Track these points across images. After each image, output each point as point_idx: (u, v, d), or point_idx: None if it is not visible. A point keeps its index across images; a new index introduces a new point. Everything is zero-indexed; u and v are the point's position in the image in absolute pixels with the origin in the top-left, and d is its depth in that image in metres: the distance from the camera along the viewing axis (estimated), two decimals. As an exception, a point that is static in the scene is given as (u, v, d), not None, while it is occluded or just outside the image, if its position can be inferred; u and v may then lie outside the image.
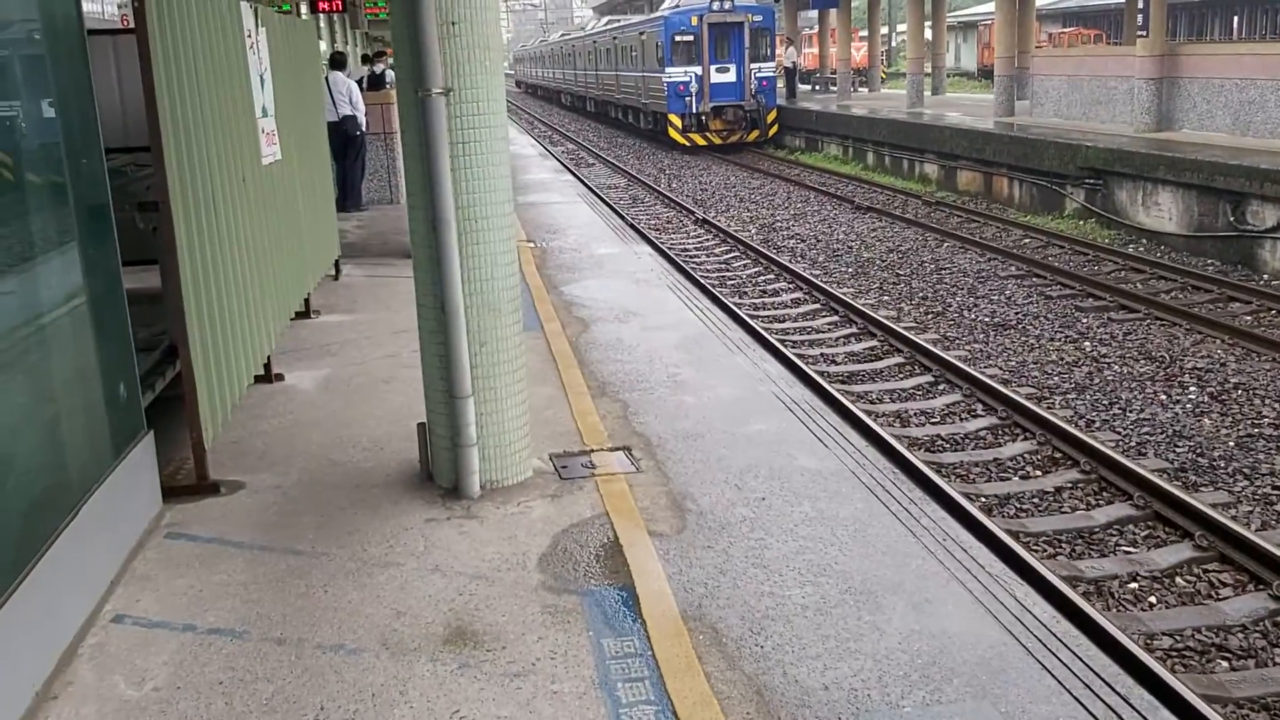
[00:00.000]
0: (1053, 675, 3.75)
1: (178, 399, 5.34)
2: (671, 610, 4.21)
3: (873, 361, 10.20)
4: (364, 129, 14.43)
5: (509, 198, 5.33)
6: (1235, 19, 45.16)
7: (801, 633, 4.03)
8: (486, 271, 5.21)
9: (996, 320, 11.51)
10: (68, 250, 4.60)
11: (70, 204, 4.65)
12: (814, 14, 40.29)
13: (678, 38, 29.14)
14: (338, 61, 14.84)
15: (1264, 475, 7.30)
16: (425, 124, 4.96)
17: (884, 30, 49.31)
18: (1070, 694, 3.66)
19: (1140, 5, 18.05)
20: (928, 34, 32.58)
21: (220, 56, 6.02)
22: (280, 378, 7.29)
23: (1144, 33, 17.91)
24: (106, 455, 4.73)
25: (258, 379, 6.71)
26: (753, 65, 29.21)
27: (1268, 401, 8.67)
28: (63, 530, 4.13)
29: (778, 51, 31.89)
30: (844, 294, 12.55)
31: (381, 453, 5.97)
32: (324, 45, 22.33)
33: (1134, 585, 5.98)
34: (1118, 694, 3.67)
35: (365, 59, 19.32)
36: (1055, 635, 4.01)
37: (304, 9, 19.32)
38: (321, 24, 23.21)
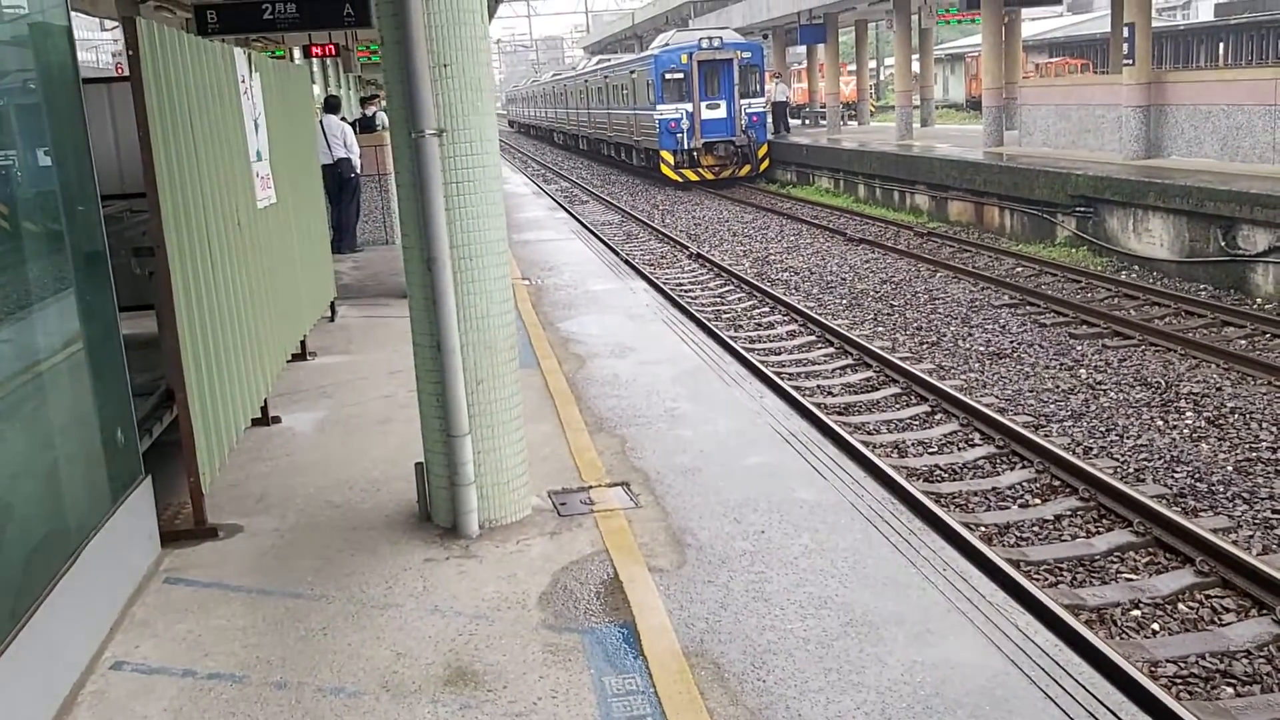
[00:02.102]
0: (1057, 704, 3.73)
1: (175, 443, 5.34)
2: (673, 646, 4.19)
3: (869, 392, 10.22)
4: (358, 171, 14.51)
5: (503, 236, 5.35)
6: (1221, 45, 45.55)
7: (803, 666, 4.02)
8: (482, 309, 5.23)
9: (991, 349, 11.54)
10: (64, 297, 4.62)
11: (67, 251, 4.67)
12: (802, 49, 40.68)
13: (668, 75, 29.39)
14: (332, 105, 14.95)
15: (1263, 499, 7.29)
16: (419, 164, 5.00)
17: (872, 64, 49.78)
18: (1075, 723, 3.65)
19: (1125, 34, 18.22)
20: (915, 67, 32.88)
21: (214, 103, 6.07)
22: (277, 420, 7.29)
23: (1130, 61, 18.08)
24: (104, 501, 4.73)
25: (255, 422, 6.72)
26: (743, 101, 29.44)
27: (1264, 425, 8.68)
28: (61, 577, 4.12)
29: (766, 87, 32.15)
30: (839, 325, 12.59)
31: (379, 493, 5.96)
32: (317, 89, 22.48)
33: (1136, 612, 5.96)
34: (1123, 723, 3.66)
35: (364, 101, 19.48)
36: (1058, 664, 4.00)
37: (297, 54, 19.49)
38: (315, 69, 23.38)
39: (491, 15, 21.33)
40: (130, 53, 5.00)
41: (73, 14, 4.88)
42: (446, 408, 5.19)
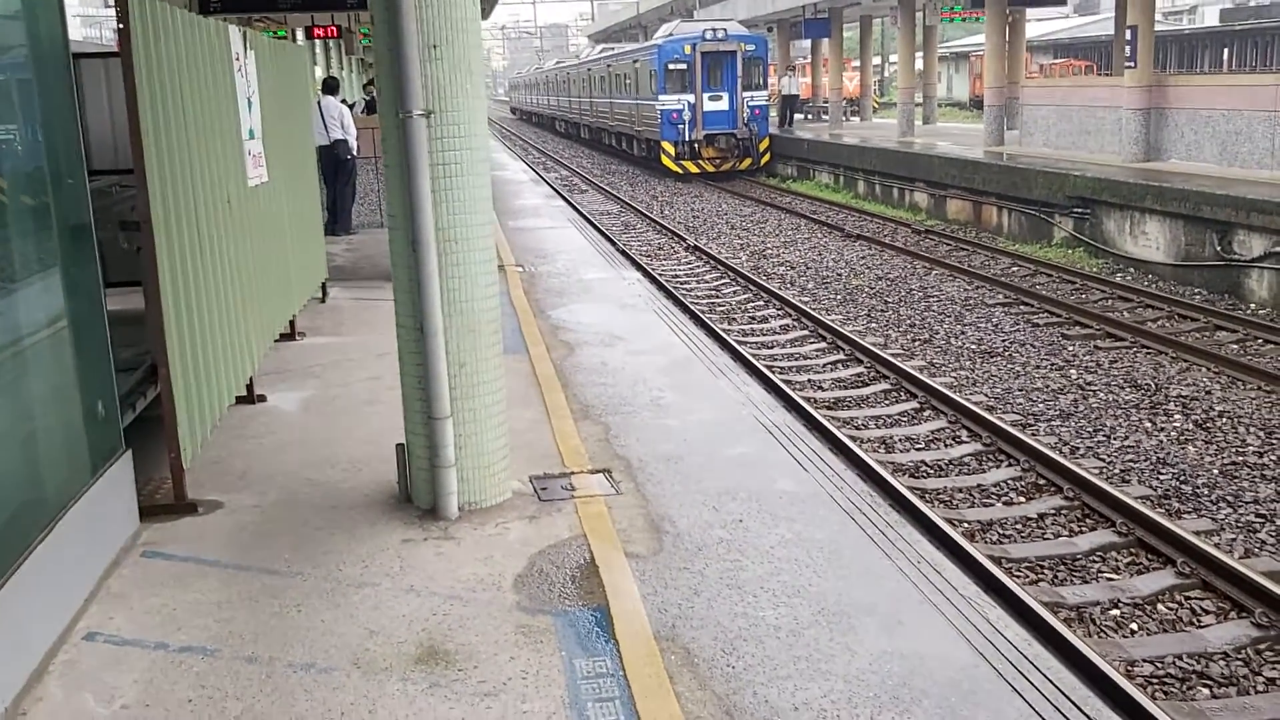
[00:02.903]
0: (1023, 698, 3.75)
1: (159, 418, 5.34)
2: (645, 631, 4.20)
3: (859, 388, 10.22)
4: (355, 153, 14.49)
5: (490, 219, 5.35)
6: (1225, 51, 45.54)
7: (773, 654, 4.03)
8: (466, 293, 5.23)
9: (983, 347, 11.54)
10: (48, 270, 4.62)
11: (52, 224, 4.66)
12: (807, 43, 40.63)
13: (671, 66, 29.33)
14: (330, 86, 14.93)
15: (1247, 503, 7.31)
16: (406, 146, 4.99)
17: (876, 60, 49.69)
18: (1041, 717, 3.65)
19: (1128, 37, 18.21)
20: (919, 64, 32.84)
21: (207, 79, 6.05)
22: (262, 399, 7.29)
23: (1132, 64, 18.06)
24: (84, 473, 4.73)
25: (240, 399, 6.72)
26: (745, 94, 29.38)
27: (1252, 429, 8.69)
28: (37, 546, 4.13)
29: (773, 79, 32.04)
30: (832, 321, 12.59)
31: (360, 474, 5.96)
32: (320, 71, 22.46)
33: (1115, 612, 5.97)
34: (1088, 718, 3.67)
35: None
36: (1027, 658, 4.01)
37: (299, 35, 19.46)
38: (317, 50, 23.35)
39: (495, 2, 21.29)
40: (120, 26, 5.00)
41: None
42: (428, 390, 5.20)
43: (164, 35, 5.33)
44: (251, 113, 7.09)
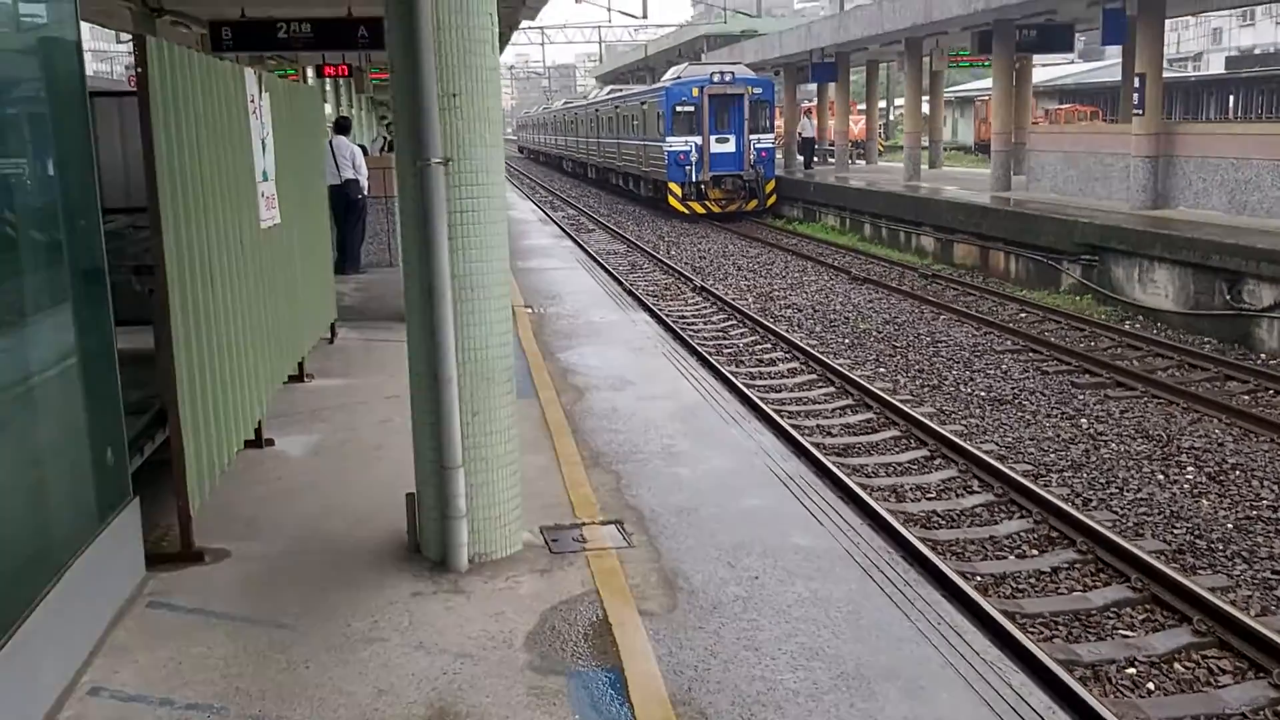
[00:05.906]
0: (1049, 770, 3.66)
1: (166, 463, 5.27)
2: (660, 693, 4.11)
3: (868, 434, 10.15)
4: (365, 193, 14.52)
5: (505, 268, 5.31)
6: (1231, 99, 45.71)
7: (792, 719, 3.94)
8: (481, 340, 5.18)
9: (993, 395, 11.48)
10: (60, 311, 4.57)
11: (65, 264, 4.63)
12: (813, 87, 40.84)
13: (679, 108, 29.50)
14: (342, 126, 14.98)
15: (1263, 559, 7.22)
16: (423, 193, 4.97)
17: (882, 104, 49.95)
18: (1068, 789, 3.57)
19: (1136, 85, 18.28)
20: (925, 108, 32.98)
21: (222, 121, 6.05)
22: (271, 443, 7.22)
23: (1139, 111, 18.12)
24: (90, 521, 4.66)
25: (248, 444, 6.65)
26: (752, 136, 29.54)
27: (1266, 483, 8.61)
28: (43, 598, 4.06)
29: (779, 122, 32.14)
30: (840, 365, 12.53)
31: (370, 523, 5.88)
32: (329, 109, 22.56)
33: (1132, 670, 5.88)
34: (1116, 790, 3.58)
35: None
36: (1052, 727, 3.93)
37: (310, 73, 19.56)
38: (327, 88, 23.47)
39: (504, 44, 21.43)
40: (139, 70, 4.98)
41: (89, 27, 4.86)
42: (441, 439, 5.14)
43: (181, 78, 5.32)
44: (265, 155, 7.09)
